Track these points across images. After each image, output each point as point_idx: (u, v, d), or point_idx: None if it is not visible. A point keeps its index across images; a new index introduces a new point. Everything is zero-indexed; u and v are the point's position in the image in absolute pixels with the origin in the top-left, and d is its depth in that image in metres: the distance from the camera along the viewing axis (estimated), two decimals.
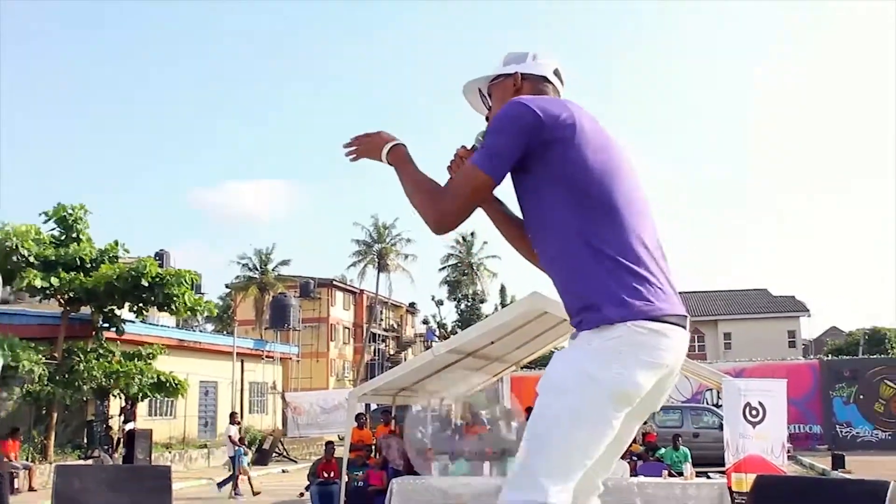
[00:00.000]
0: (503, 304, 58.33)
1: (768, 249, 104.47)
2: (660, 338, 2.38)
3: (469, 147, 2.71)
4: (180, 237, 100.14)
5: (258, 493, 17.64)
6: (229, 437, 18.80)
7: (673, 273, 2.55)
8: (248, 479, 18.12)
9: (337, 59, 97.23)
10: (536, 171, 2.50)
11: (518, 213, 2.73)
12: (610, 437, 2.39)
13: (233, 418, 19.73)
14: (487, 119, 2.80)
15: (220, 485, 18.36)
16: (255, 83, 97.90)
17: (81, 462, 19.95)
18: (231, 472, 18.42)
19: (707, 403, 25.72)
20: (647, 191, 2.63)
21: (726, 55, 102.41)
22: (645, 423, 16.66)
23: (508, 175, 2.54)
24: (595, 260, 2.42)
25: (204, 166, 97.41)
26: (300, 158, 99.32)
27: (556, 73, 2.78)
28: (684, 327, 2.46)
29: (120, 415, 22.27)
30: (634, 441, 14.75)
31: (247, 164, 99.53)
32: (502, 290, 66.26)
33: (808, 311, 53.05)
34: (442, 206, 2.49)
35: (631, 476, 12.04)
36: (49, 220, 21.55)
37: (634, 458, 13.45)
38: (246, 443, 20.02)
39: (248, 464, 19.41)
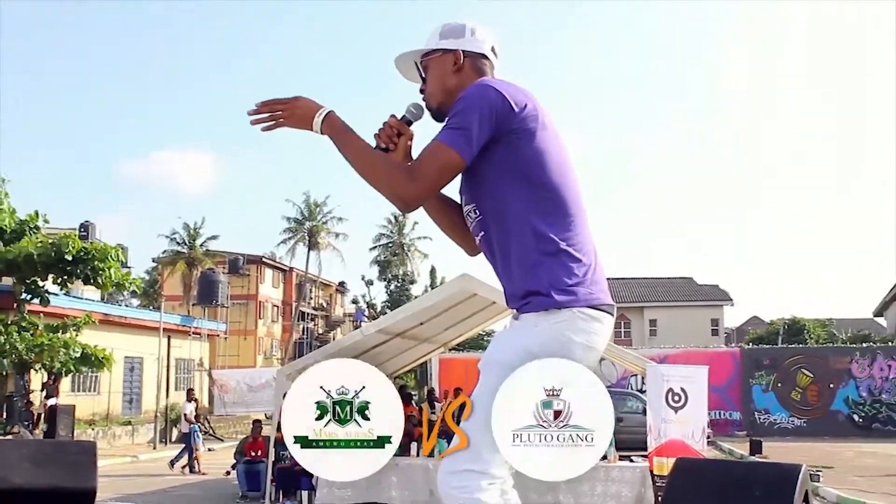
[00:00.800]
0: (433, 286, 58.44)
1: (694, 238, 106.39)
2: (596, 324, 2.53)
3: (399, 117, 2.69)
4: (107, 208, 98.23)
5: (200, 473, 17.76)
6: (185, 414, 18.80)
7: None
8: (197, 458, 18.17)
9: (269, 27, 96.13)
10: (495, 158, 2.53)
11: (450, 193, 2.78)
12: None
13: (189, 395, 19.70)
14: (422, 91, 2.78)
15: (173, 462, 18.31)
16: (186, 51, 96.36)
17: (0, 438, 19.53)
18: (185, 448, 18.59)
19: (632, 388, 26.14)
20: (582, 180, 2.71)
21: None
22: None
23: None
24: (546, 249, 2.51)
25: (132, 136, 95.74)
26: (230, 131, 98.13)
27: (493, 49, 2.78)
28: (613, 315, 2.61)
29: (42, 390, 21.83)
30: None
31: (176, 136, 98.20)
32: (432, 272, 66.36)
33: (731, 300, 54.33)
34: (411, 187, 2.46)
35: None
36: None
37: None
38: (202, 420, 20.14)
39: (203, 441, 19.51)
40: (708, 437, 14.77)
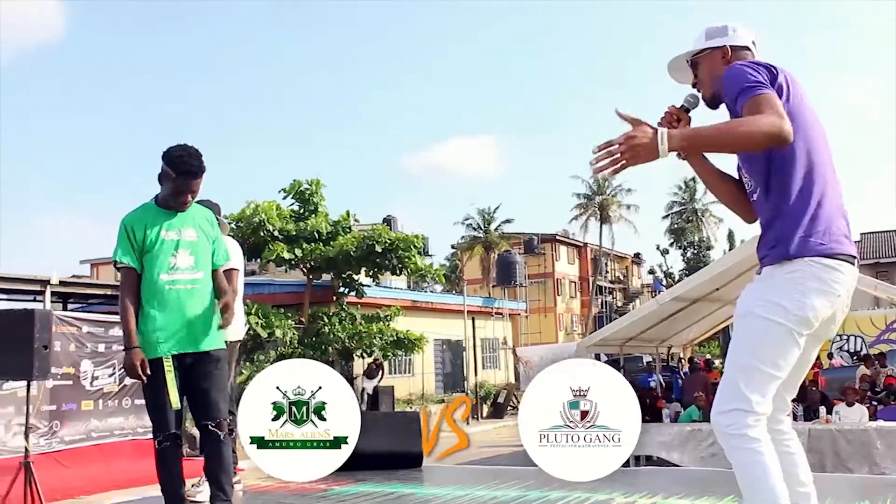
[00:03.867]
0: (732, 250, 56.66)
1: None
2: (832, 271, 2.77)
3: (678, 106, 3.07)
4: (404, 201, 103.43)
5: None
6: None
7: (850, 222, 2.90)
8: None
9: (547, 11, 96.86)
10: None
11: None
12: (796, 356, 2.82)
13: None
14: (694, 85, 3.15)
15: None
16: (466, 40, 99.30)
17: None
18: None
19: None
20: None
21: None
22: (885, 366, 16.03)
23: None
24: (785, 206, 2.82)
25: (418, 128, 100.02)
26: (510, 114, 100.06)
27: (753, 43, 3.12)
28: (853, 264, 2.83)
29: (364, 373, 23.70)
30: (875, 386, 14.32)
31: (460, 123, 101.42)
32: (730, 236, 64.57)
33: None
34: (772, 118, 2.61)
35: (870, 420, 11.76)
36: (287, 195, 22.86)
37: (874, 403, 13.04)
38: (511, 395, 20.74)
39: None
40: None
